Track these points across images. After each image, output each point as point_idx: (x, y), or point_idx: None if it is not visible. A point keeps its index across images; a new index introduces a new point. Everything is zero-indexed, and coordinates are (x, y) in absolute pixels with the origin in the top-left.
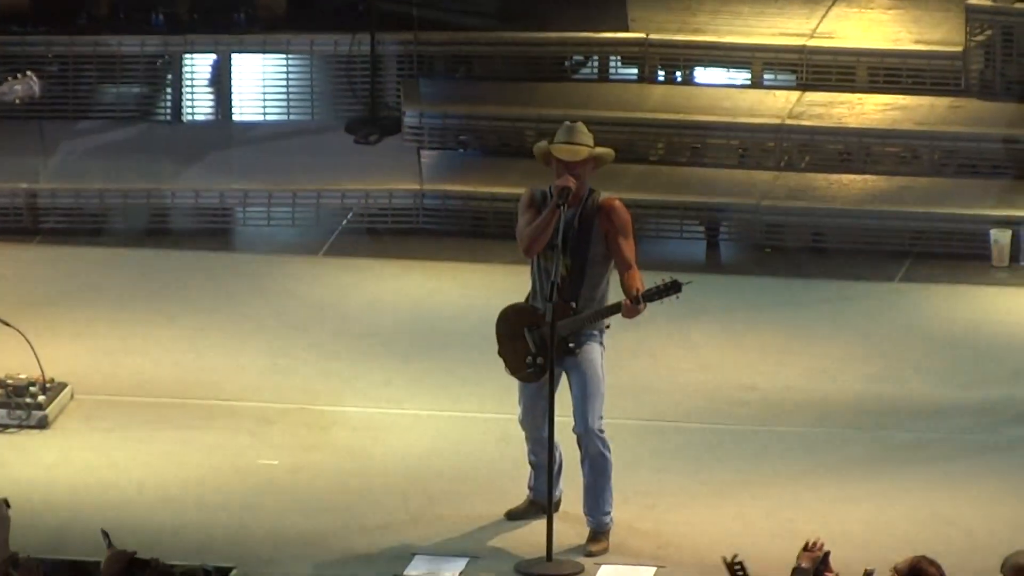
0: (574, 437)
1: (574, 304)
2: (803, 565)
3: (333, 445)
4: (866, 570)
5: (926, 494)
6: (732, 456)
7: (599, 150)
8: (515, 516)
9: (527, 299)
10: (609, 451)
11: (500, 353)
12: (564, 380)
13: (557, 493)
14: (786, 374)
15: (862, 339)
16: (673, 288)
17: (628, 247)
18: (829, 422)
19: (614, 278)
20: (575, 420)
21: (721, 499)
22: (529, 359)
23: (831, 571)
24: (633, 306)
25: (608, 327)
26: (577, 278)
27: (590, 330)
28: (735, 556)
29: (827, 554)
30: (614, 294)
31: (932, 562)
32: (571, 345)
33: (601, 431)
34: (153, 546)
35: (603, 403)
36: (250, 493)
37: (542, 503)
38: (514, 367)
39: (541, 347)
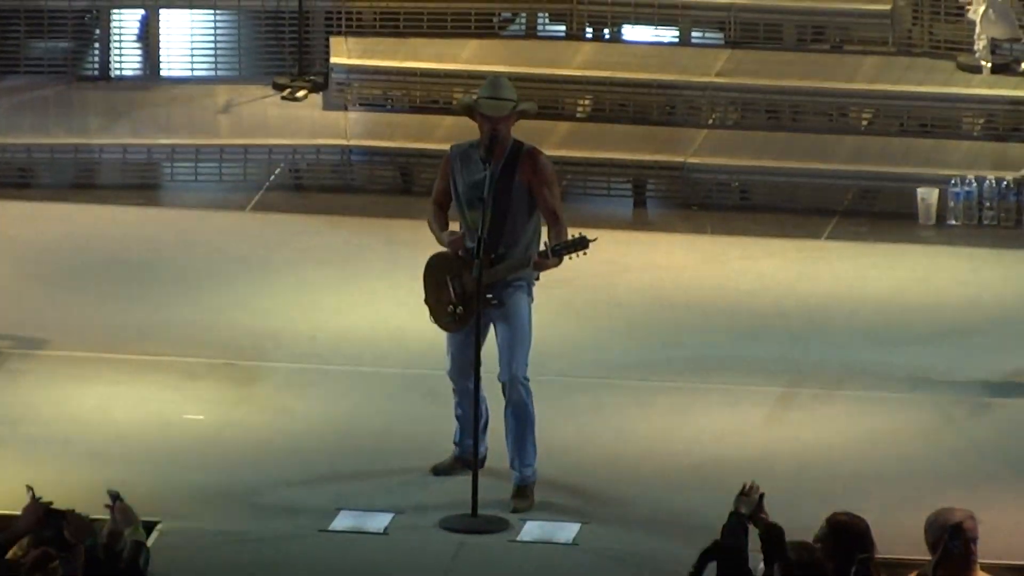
0: (500, 393)
1: (492, 255)
2: (740, 510)
3: (259, 401)
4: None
5: (847, 449)
6: (657, 412)
7: (523, 105)
8: (441, 472)
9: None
10: (532, 402)
11: (425, 300)
12: (492, 334)
13: (483, 449)
14: (711, 331)
15: (788, 296)
16: (580, 244)
17: (553, 197)
18: (755, 379)
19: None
20: (500, 368)
21: (645, 456)
22: (450, 308)
23: (765, 513)
24: (542, 260)
25: (538, 279)
26: (497, 229)
27: (516, 281)
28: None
29: (762, 496)
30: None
31: (847, 513)
32: (490, 296)
33: (526, 379)
34: (78, 501)
35: (528, 353)
36: (175, 448)
37: (467, 459)
38: (436, 315)
39: (462, 297)
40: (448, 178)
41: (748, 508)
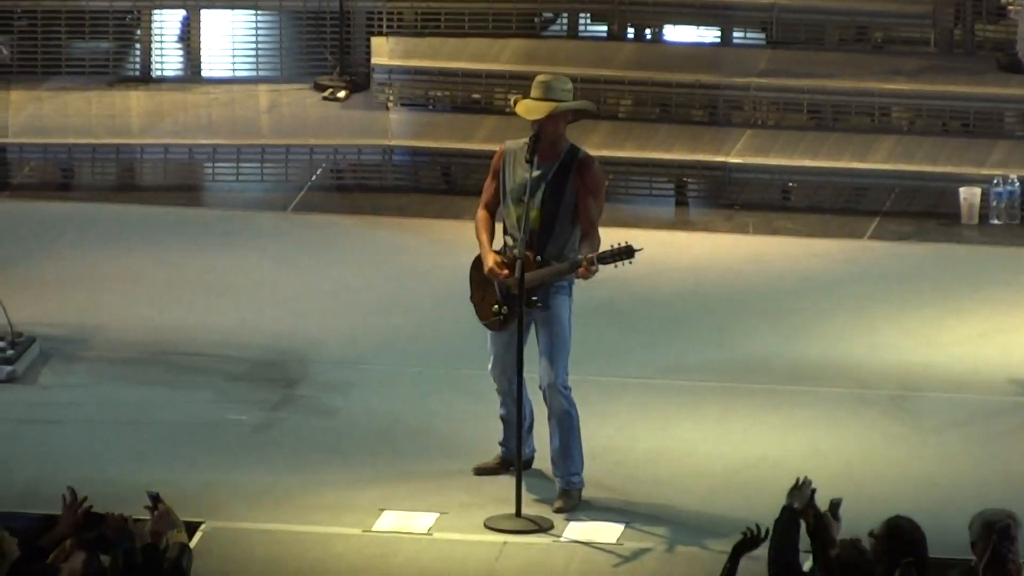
0: (542, 396)
1: (539, 257)
2: (793, 504)
3: (301, 401)
4: (832, 500)
5: (893, 449)
6: (700, 413)
7: (564, 107)
8: (484, 472)
9: (503, 249)
10: (575, 408)
11: (471, 298)
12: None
13: (528, 451)
14: (755, 331)
15: (831, 297)
16: (626, 253)
17: (595, 208)
18: (799, 379)
19: None
20: (540, 376)
21: (688, 456)
22: (495, 307)
23: (816, 508)
24: (588, 268)
25: (594, 273)
26: (547, 232)
27: (559, 284)
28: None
29: (814, 491)
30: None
31: (906, 518)
32: (534, 298)
33: (566, 387)
34: (121, 502)
35: (568, 359)
36: (218, 449)
37: (512, 460)
38: (481, 314)
39: (507, 297)
40: (499, 175)
41: (800, 503)
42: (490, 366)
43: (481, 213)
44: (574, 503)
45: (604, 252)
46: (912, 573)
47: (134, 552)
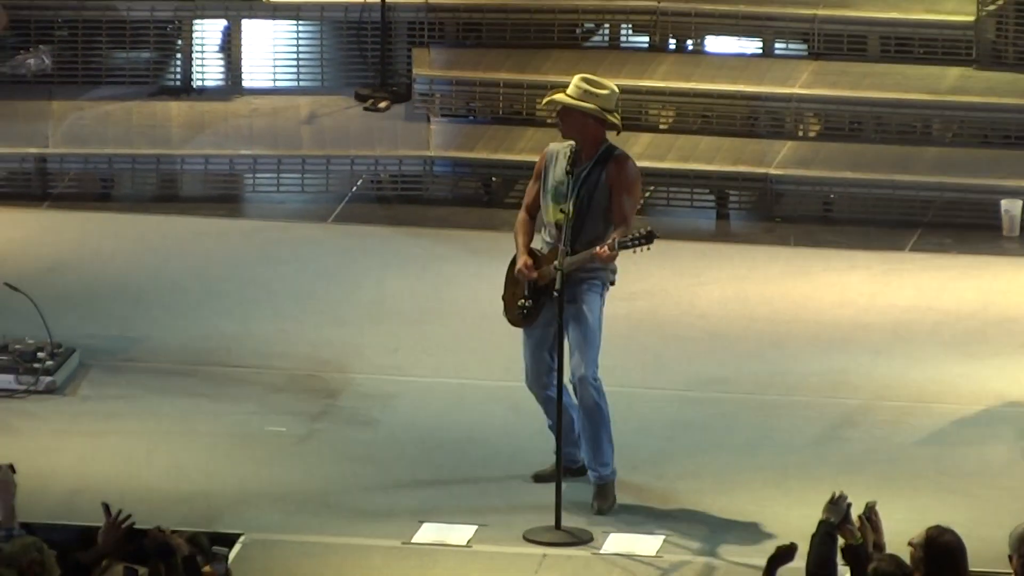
0: (572, 390)
1: (568, 250)
2: (829, 518)
3: (341, 412)
4: (868, 503)
5: (934, 462)
6: (741, 425)
7: (584, 106)
8: (542, 479)
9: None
10: (604, 400)
11: (503, 296)
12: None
13: (582, 457)
14: (796, 344)
15: (872, 309)
16: (645, 239)
17: (628, 203)
18: (839, 391)
19: None
20: (571, 369)
21: (730, 467)
22: (521, 302)
23: (851, 523)
24: (608, 252)
25: (613, 283)
26: (577, 226)
27: (591, 279)
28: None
29: (849, 505)
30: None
31: (948, 530)
32: (556, 292)
33: (595, 379)
34: (161, 514)
35: (598, 352)
36: (258, 461)
37: (569, 467)
38: (508, 309)
39: (534, 292)
40: (540, 176)
41: (836, 517)
42: (526, 380)
43: (521, 215)
44: (611, 501)
45: (624, 238)
46: None
47: (175, 568)
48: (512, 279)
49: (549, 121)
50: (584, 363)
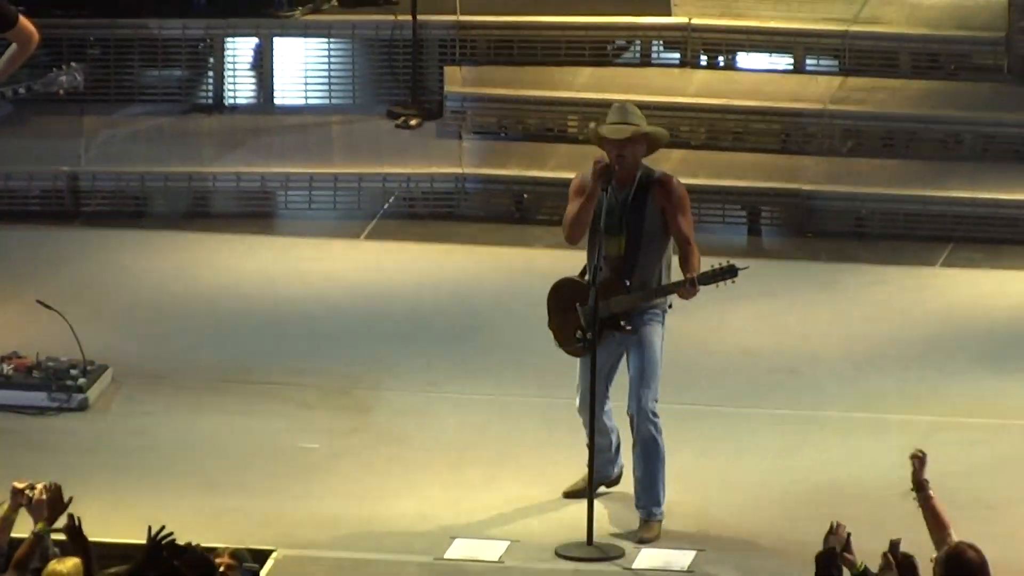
0: (629, 421)
1: (628, 282)
2: (832, 548)
3: (373, 429)
4: (892, 540)
5: (967, 478)
6: (773, 441)
7: (646, 129)
8: (572, 495)
9: (581, 274)
10: (661, 436)
11: (550, 325)
12: (623, 363)
13: (617, 470)
14: (827, 359)
15: (903, 324)
16: (728, 272)
17: (686, 223)
18: (870, 407)
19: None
20: (629, 401)
21: (762, 484)
22: (579, 333)
23: (851, 553)
24: (689, 288)
25: (671, 306)
26: (632, 255)
27: (652, 309)
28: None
29: (849, 535)
30: (674, 273)
31: (972, 547)
32: (623, 323)
33: (655, 414)
34: (193, 530)
35: (658, 386)
36: (290, 477)
37: (601, 482)
38: (562, 339)
39: (591, 323)
40: (580, 197)
41: (838, 546)
42: (578, 405)
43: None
44: (655, 534)
45: (705, 272)
46: None
47: None
48: (559, 306)
49: (581, 138)
50: (645, 396)
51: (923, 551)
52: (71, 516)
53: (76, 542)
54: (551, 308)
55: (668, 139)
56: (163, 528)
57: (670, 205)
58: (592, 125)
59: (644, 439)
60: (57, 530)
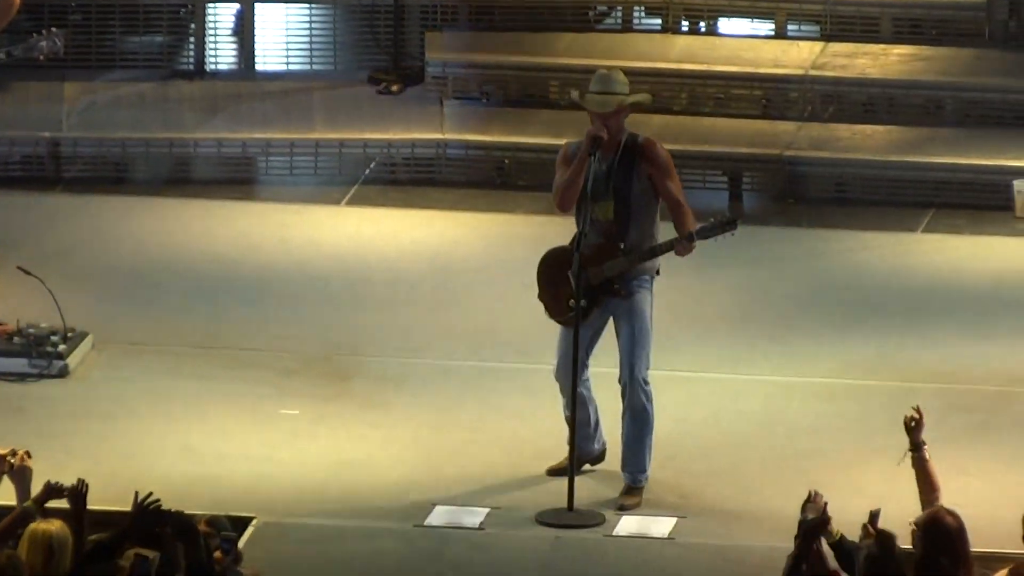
0: (612, 391)
1: (622, 245)
2: (809, 516)
3: (354, 395)
4: (871, 511)
5: (947, 445)
6: (753, 406)
7: (632, 98)
8: (557, 472)
9: (571, 243)
10: (652, 404)
11: (541, 297)
12: (609, 328)
13: (599, 447)
14: (808, 324)
15: (884, 290)
16: (728, 225)
17: (675, 186)
18: (851, 373)
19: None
20: (620, 369)
21: (742, 449)
22: (572, 302)
23: (828, 519)
24: (686, 244)
25: (658, 273)
26: (623, 220)
27: (642, 275)
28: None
29: (826, 504)
30: (666, 235)
31: (951, 512)
32: (617, 287)
33: (646, 383)
34: (174, 496)
35: (649, 353)
36: (271, 444)
37: (583, 459)
38: (555, 310)
39: (583, 291)
40: (568, 166)
41: (816, 514)
42: (554, 369)
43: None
44: (636, 502)
45: (704, 225)
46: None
47: (199, 549)
48: (550, 277)
49: (563, 104)
50: (638, 364)
51: (902, 517)
52: (80, 480)
53: (77, 507)
54: (542, 280)
55: (650, 101)
56: (150, 495)
57: (656, 170)
58: (574, 93)
59: (635, 407)
60: (46, 509)
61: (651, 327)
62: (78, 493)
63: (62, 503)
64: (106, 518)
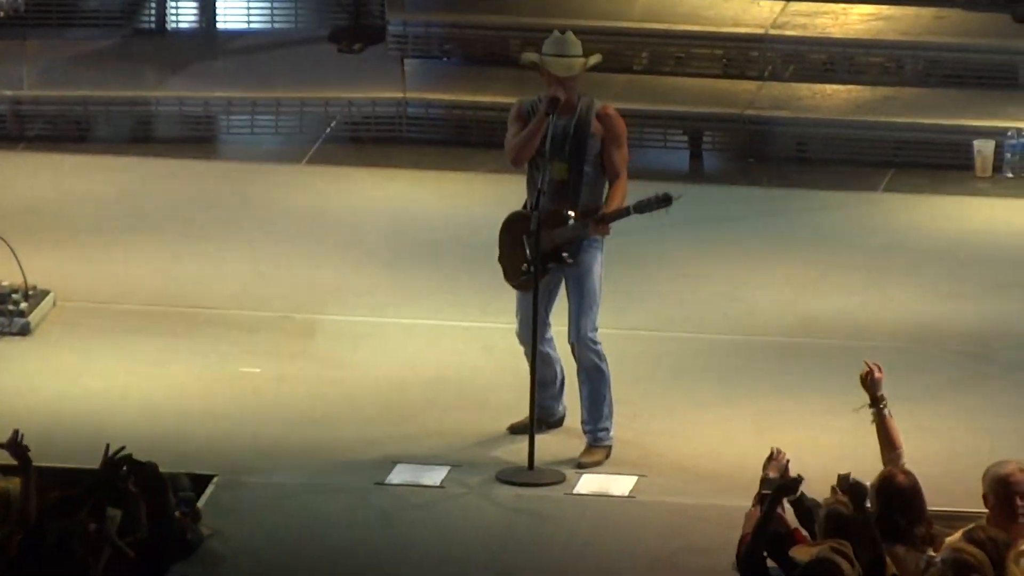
0: (570, 350)
1: (571, 212)
2: (771, 475)
3: (315, 354)
4: (840, 475)
5: (907, 405)
6: (714, 366)
7: (591, 60)
8: (518, 431)
9: (525, 206)
10: (605, 362)
11: (500, 260)
12: (563, 293)
13: (561, 409)
14: (769, 284)
15: (845, 249)
16: (663, 202)
17: (620, 156)
18: (812, 332)
19: None
20: (569, 330)
21: (703, 408)
22: (524, 266)
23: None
24: (597, 226)
25: (609, 232)
26: (576, 183)
27: (591, 237)
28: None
29: (788, 462)
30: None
31: (904, 471)
32: (565, 255)
33: (595, 342)
34: (135, 454)
35: (597, 313)
36: (232, 401)
37: (545, 420)
38: (510, 274)
39: (534, 250)
40: (525, 125)
41: (778, 472)
42: (517, 329)
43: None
44: (599, 459)
45: (641, 201)
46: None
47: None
48: (510, 242)
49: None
50: (585, 324)
51: (863, 476)
52: (15, 431)
53: (20, 457)
54: (501, 243)
55: (601, 62)
56: (122, 448)
57: (609, 137)
58: (531, 55)
59: (587, 367)
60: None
61: (600, 288)
62: (15, 443)
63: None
64: (67, 476)
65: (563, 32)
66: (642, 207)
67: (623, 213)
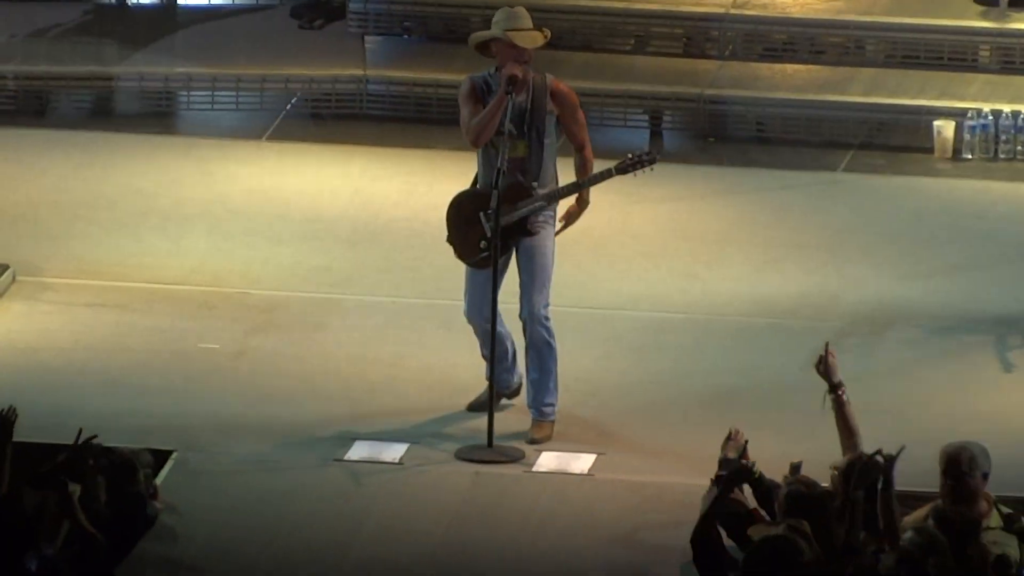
0: (521, 326)
1: (535, 184)
2: (729, 455)
3: (274, 330)
4: (792, 463)
5: (866, 383)
6: (673, 344)
7: (546, 32)
8: (476, 408)
9: (474, 184)
10: (554, 339)
11: (449, 240)
12: (512, 268)
13: (516, 379)
14: (728, 263)
15: (804, 229)
16: (646, 160)
17: (580, 126)
18: (770, 311)
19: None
20: (521, 306)
21: (662, 387)
22: (483, 243)
23: (748, 459)
24: (580, 210)
25: (588, 203)
26: (537, 158)
27: (546, 212)
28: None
29: (746, 443)
30: (567, 174)
31: (869, 455)
32: (528, 227)
33: (547, 319)
34: (94, 430)
35: (549, 289)
36: (191, 377)
37: (502, 392)
38: (465, 252)
39: (495, 228)
40: (480, 103)
41: (736, 453)
42: (465, 310)
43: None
44: (546, 435)
45: (623, 161)
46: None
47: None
48: (459, 220)
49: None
50: (537, 301)
51: (821, 458)
52: (10, 408)
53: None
54: (451, 222)
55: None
56: (94, 437)
57: (565, 111)
58: (482, 33)
59: (537, 343)
60: None
61: (552, 264)
62: (4, 419)
63: None
64: (28, 450)
65: (516, 8)
66: (624, 167)
67: (604, 175)
